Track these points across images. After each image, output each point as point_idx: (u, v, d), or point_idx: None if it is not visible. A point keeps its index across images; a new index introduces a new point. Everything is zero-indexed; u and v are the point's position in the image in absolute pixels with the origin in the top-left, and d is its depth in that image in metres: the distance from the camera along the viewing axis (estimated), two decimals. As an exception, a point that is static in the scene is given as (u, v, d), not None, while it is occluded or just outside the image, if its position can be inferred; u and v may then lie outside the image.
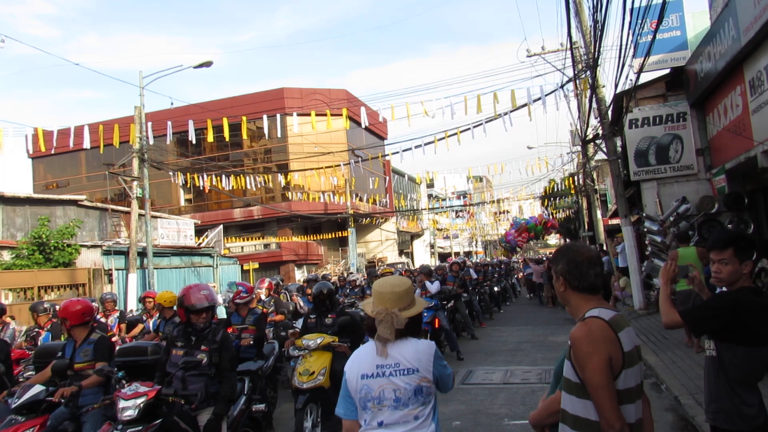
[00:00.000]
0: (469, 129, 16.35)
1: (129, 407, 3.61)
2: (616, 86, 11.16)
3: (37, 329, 7.59)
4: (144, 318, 8.54)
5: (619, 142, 13.99)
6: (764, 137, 8.43)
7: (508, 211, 52.14)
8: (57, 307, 7.74)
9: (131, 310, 13.91)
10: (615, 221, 17.02)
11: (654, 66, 12.36)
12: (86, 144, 15.05)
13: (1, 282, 14.58)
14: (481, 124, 16.14)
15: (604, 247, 18.23)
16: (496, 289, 18.50)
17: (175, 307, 7.03)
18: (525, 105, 15.11)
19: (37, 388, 4.34)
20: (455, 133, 16.70)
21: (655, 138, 12.51)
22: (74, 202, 19.39)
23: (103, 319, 8.19)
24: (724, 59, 9.46)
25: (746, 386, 2.77)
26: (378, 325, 2.51)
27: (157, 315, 7.93)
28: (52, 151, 14.99)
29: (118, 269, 17.48)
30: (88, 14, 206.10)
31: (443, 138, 17.00)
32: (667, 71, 12.85)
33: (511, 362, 9.47)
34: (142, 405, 3.63)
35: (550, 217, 30.47)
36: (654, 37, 9.48)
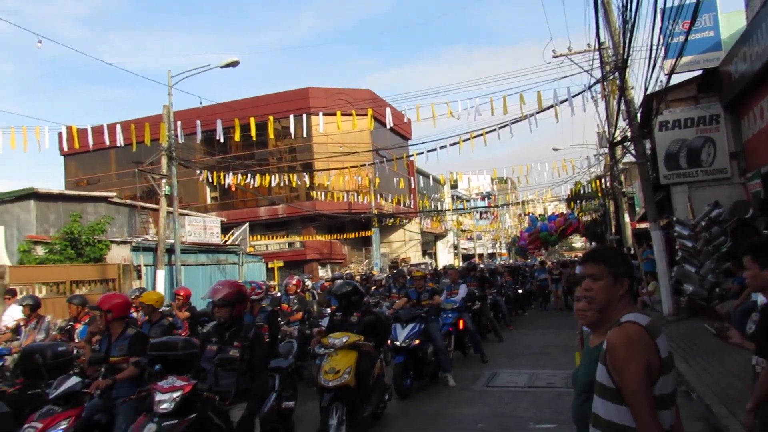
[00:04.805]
0: (494, 130, 16.24)
1: (165, 400, 3.68)
2: (646, 88, 11.01)
3: (72, 323, 7.77)
4: (173, 313, 8.67)
5: (648, 145, 13.78)
6: (801, 141, 8.25)
7: (533, 213, 51.71)
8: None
9: (160, 306, 14.10)
10: (643, 225, 16.77)
11: (685, 67, 12.14)
12: (119, 142, 15.33)
13: (35, 276, 14.94)
14: (507, 125, 16.02)
15: (632, 251, 17.97)
16: (520, 291, 18.40)
17: (161, 309, 7.15)
18: (551, 106, 14.96)
19: (73, 380, 4.47)
20: (481, 134, 16.60)
21: (686, 141, 12.29)
22: (105, 199, 19.78)
23: (134, 314, 8.33)
24: (760, 60, 9.26)
25: None
26: None
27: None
28: (90, 148, 15.21)
29: (146, 265, 17.76)
30: (117, 16, 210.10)
31: (468, 139, 16.91)
32: (699, 72, 12.62)
33: (536, 366, 9.41)
34: (178, 398, 3.70)
35: (576, 219, 29.57)
36: (686, 38, 9.32)
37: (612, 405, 2.11)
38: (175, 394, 3.70)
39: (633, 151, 13.54)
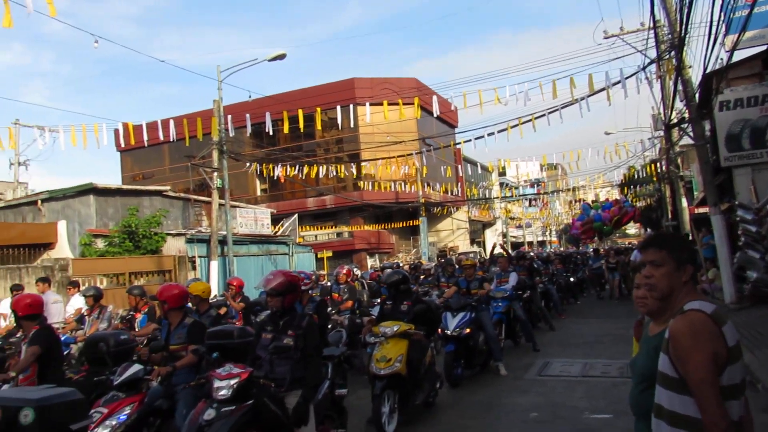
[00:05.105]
0: (544, 115, 15.90)
1: (223, 387, 3.78)
2: (705, 67, 10.53)
3: (132, 313, 8.08)
4: (227, 303, 8.90)
5: (707, 126, 13.22)
6: None
7: (583, 200, 50.56)
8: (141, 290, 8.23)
9: (214, 295, 14.50)
10: (702, 210, 16.14)
11: (749, 43, 11.54)
12: (172, 137, 15.76)
13: (96, 268, 15.58)
14: (556, 109, 15.67)
15: (690, 237, 17.34)
16: (572, 279, 18.03)
17: (214, 299, 7.25)
18: (603, 89, 14.53)
19: (136, 367, 4.65)
20: (530, 120, 16.28)
21: (750, 120, 11.70)
22: (159, 193, 20.37)
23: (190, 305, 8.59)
24: (830, 33, 8.72)
25: None
26: None
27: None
28: (145, 144, 15.68)
29: (200, 256, 18.23)
30: (166, 14, 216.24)
31: (517, 125, 16.61)
32: (764, 48, 11.98)
33: (590, 355, 9.22)
34: (235, 385, 3.79)
35: (631, 206, 28.57)
36: (750, 11, 8.85)
37: (676, 395, 2.05)
38: (233, 381, 3.80)
39: (691, 133, 13.02)
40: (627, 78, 14.07)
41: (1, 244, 14.24)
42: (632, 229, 57.48)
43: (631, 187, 31.78)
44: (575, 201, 44.95)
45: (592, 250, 25.50)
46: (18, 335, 6.78)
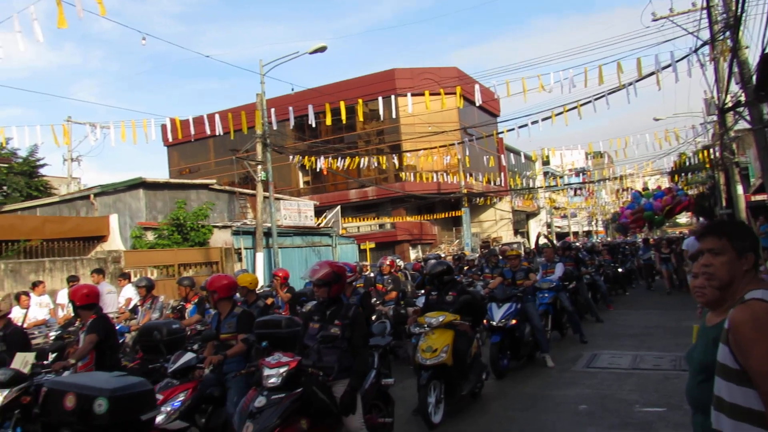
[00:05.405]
0: (590, 102, 15.52)
1: (273, 375, 3.86)
2: (764, 47, 10.04)
3: (182, 303, 8.31)
4: (274, 293, 9.04)
5: (765, 109, 12.64)
6: None
7: (632, 188, 49.09)
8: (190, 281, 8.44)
9: (261, 286, 14.76)
10: (760, 197, 15.48)
11: (810, 21, 10.95)
12: (218, 131, 16.07)
13: (146, 260, 16.07)
14: (603, 95, 15.27)
15: (746, 226, 16.64)
16: (620, 270, 17.56)
17: (261, 289, 7.30)
18: (652, 73, 14.09)
19: (189, 356, 4.79)
20: (575, 107, 15.92)
21: (811, 103, 11.14)
22: (206, 186, 20.80)
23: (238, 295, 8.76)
24: None
25: None
26: None
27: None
28: (191, 138, 16.06)
29: (246, 248, 18.58)
30: (209, 9, 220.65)
31: (561, 113, 16.28)
32: (827, 25, 11.34)
33: (640, 347, 8.99)
34: (285, 374, 3.86)
35: (684, 194, 27.46)
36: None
37: (737, 388, 1.97)
38: (282, 370, 3.87)
39: (747, 117, 12.48)
40: (678, 61, 13.61)
41: (57, 237, 14.83)
42: (683, 218, 55.67)
43: (682, 174, 30.72)
44: (622, 190, 43.77)
45: (641, 240, 24.73)
46: (76, 324, 7.07)
